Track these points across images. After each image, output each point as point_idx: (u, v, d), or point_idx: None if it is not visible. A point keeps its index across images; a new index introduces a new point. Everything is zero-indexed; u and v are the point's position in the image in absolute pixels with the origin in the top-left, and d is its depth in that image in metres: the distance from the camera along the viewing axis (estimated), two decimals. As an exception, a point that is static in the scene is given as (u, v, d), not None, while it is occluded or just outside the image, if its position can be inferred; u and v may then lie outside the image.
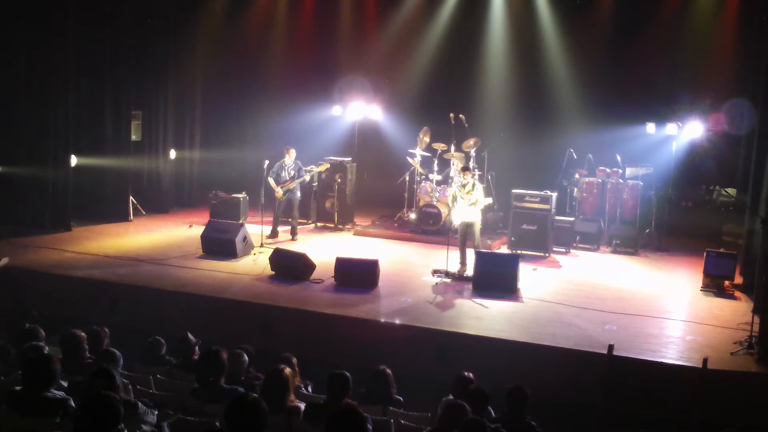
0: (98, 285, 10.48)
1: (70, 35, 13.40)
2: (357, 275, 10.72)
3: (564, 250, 13.11)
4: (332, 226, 14.41)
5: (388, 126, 16.10)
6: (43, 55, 13.22)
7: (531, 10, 15.74)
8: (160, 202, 15.67)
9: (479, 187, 11.55)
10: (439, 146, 14.06)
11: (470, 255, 11.35)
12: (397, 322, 9.36)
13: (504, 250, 13.09)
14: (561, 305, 10.18)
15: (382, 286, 10.72)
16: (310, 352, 8.25)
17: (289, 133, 15.21)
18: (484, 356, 8.57)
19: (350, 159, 14.97)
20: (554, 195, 12.92)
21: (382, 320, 9.42)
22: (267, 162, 13.02)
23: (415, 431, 5.87)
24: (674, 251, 13.48)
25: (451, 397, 6.24)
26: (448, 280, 11.12)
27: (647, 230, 13.78)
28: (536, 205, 12.77)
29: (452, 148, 13.93)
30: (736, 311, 10.19)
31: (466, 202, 11.35)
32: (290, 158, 13.35)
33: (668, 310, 10.24)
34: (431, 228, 13.59)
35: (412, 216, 14.12)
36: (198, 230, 12.91)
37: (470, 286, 10.86)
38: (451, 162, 13.92)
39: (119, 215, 14.48)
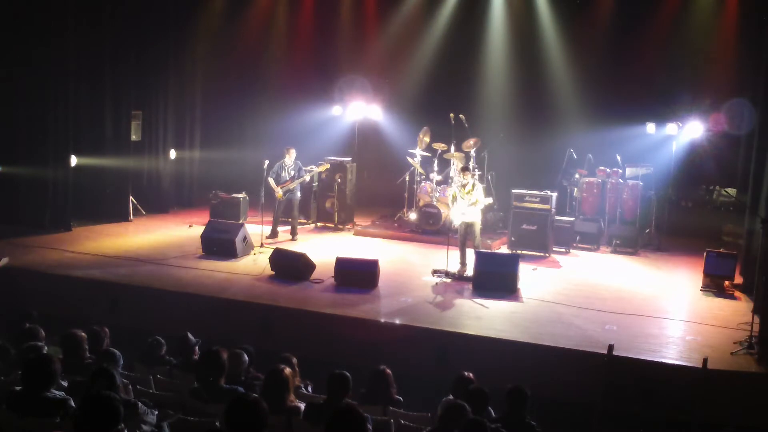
0: (98, 285, 10.48)
1: (70, 35, 13.40)
2: (357, 275, 10.72)
3: (564, 250, 13.11)
4: (332, 226, 14.42)
5: (388, 126, 16.09)
6: (43, 55, 13.22)
7: (531, 10, 15.75)
8: (160, 202, 15.68)
9: (479, 187, 11.56)
10: (439, 146, 14.06)
11: (470, 255, 11.35)
12: (397, 322, 9.36)
13: (504, 250, 13.09)
14: (561, 305, 10.19)
15: (382, 286, 10.72)
16: (310, 352, 8.25)
17: (289, 133, 15.21)
18: (484, 356, 8.57)
19: (350, 159, 14.97)
20: (554, 195, 12.92)
21: (382, 320, 9.42)
22: (267, 162, 13.02)
23: (415, 431, 5.86)
24: (674, 251, 13.48)
25: (451, 397, 6.24)
26: (448, 280, 11.12)
27: (647, 230, 13.78)
28: (536, 205, 12.77)
29: (452, 148, 13.93)
30: (736, 311, 10.19)
31: (466, 202, 11.36)
32: (290, 158, 13.35)
33: (668, 310, 10.24)
34: (431, 228, 13.59)
35: (412, 216, 14.12)
36: (198, 230, 12.91)
37: (470, 286, 10.86)
38: (451, 162, 13.92)
39: (119, 215, 14.48)
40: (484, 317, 9.65)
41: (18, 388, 5.39)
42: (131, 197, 14.73)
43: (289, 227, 13.51)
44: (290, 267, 10.98)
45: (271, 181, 13.23)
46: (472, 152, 13.86)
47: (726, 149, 14.71)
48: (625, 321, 9.62)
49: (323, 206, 14.64)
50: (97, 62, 14.22)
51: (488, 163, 14.20)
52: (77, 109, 13.89)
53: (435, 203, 13.65)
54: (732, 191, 14.69)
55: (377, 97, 16.05)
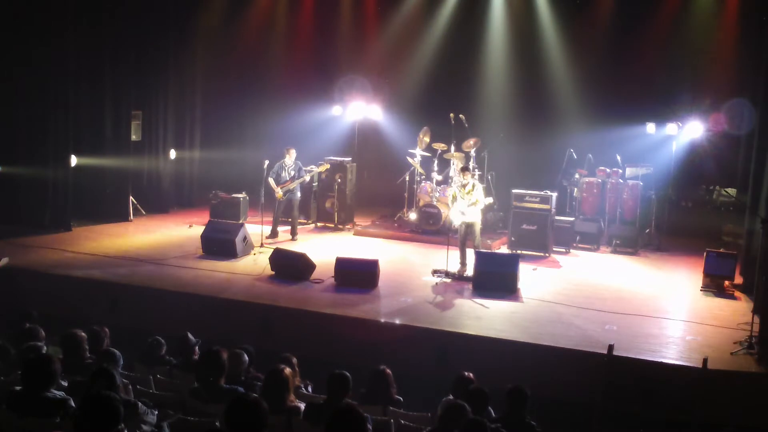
0: (98, 285, 10.48)
1: (70, 35, 13.40)
2: (357, 275, 10.72)
3: (564, 250, 13.11)
4: (332, 226, 14.42)
5: (388, 126, 16.09)
6: (43, 55, 13.22)
7: (531, 10, 15.75)
8: (160, 202, 15.68)
9: (479, 187, 11.56)
10: (439, 146, 14.06)
11: (470, 255, 11.35)
12: (397, 322, 9.36)
13: (504, 250, 13.09)
14: (561, 305, 10.19)
15: (382, 286, 10.72)
16: (310, 352, 8.25)
17: (289, 133, 15.21)
18: (484, 356, 8.57)
19: (350, 159, 14.97)
20: (554, 195, 12.92)
21: (382, 320, 9.42)
22: (267, 162, 13.02)
23: (415, 431, 5.86)
24: (674, 251, 13.49)
25: (451, 397, 6.24)
26: (448, 280, 11.12)
27: (647, 230, 13.78)
28: (536, 205, 12.77)
29: (452, 148, 13.93)
30: (736, 311, 10.19)
31: (466, 202, 11.36)
32: (290, 158, 13.35)
33: (668, 310, 10.24)
34: (431, 228, 13.59)
35: (412, 216, 14.12)
36: (198, 230, 12.91)
37: (470, 286, 10.86)
38: (451, 162, 13.92)
39: (119, 215, 14.48)
40: (484, 317, 9.65)
41: (18, 388, 5.39)
42: (131, 197, 14.73)
43: (289, 227, 13.51)
44: (290, 267, 10.98)
45: (271, 181, 13.23)
46: (472, 152, 13.86)
47: (726, 149, 14.71)
48: (625, 321, 9.62)
49: (323, 206, 14.64)
50: (97, 62, 14.22)
51: (488, 163, 14.20)
52: (77, 109, 13.89)
53: (435, 203, 13.65)
54: (732, 191, 14.68)
55: (377, 97, 16.05)
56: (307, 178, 13.60)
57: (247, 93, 17.40)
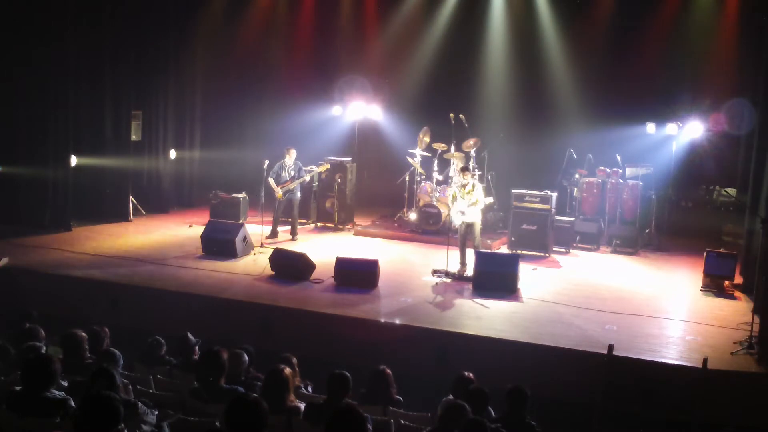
0: (98, 285, 10.49)
1: (70, 35, 13.41)
2: (357, 275, 10.72)
3: (564, 250, 13.11)
4: (332, 226, 14.42)
5: (388, 126, 16.09)
6: (43, 55, 13.22)
7: (531, 10, 15.74)
8: (160, 202, 15.68)
9: (479, 187, 11.56)
10: (439, 146, 14.06)
11: (470, 255, 11.35)
12: (397, 322, 9.36)
13: (504, 250, 13.09)
14: (561, 305, 10.19)
15: (382, 286, 10.72)
16: (310, 352, 8.25)
17: (289, 133, 15.22)
18: (484, 356, 8.57)
19: (350, 159, 14.97)
20: (554, 195, 12.92)
21: (382, 320, 9.42)
22: (267, 162, 13.02)
23: (415, 431, 5.87)
24: (674, 251, 13.48)
25: (451, 397, 6.24)
26: (448, 280, 11.12)
27: (647, 230, 13.78)
28: (536, 205, 12.77)
29: (452, 148, 13.93)
30: (736, 311, 10.19)
31: (466, 202, 11.36)
32: (290, 158, 13.35)
33: (668, 310, 10.24)
34: (431, 228, 13.59)
35: (412, 216, 14.12)
36: (198, 230, 12.91)
37: (470, 286, 10.86)
38: (451, 162, 13.92)
39: (119, 215, 14.48)
40: (484, 317, 9.65)
41: (18, 388, 5.39)
42: (131, 197, 14.73)
43: (289, 227, 13.52)
44: (290, 267, 10.98)
45: (271, 181, 13.23)
46: (472, 152, 13.86)
47: (726, 149, 14.71)
48: (625, 321, 9.62)
49: (323, 206, 14.64)
50: (97, 62, 14.22)
51: (488, 163, 14.20)
52: (77, 109, 13.89)
53: (435, 203, 13.65)
54: (732, 191, 14.69)
55: (377, 97, 16.04)
56: (307, 178, 13.60)
57: (247, 93, 17.40)
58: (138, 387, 6.16)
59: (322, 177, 14.49)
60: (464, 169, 11.65)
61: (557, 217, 13.12)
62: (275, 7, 17.07)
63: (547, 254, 12.74)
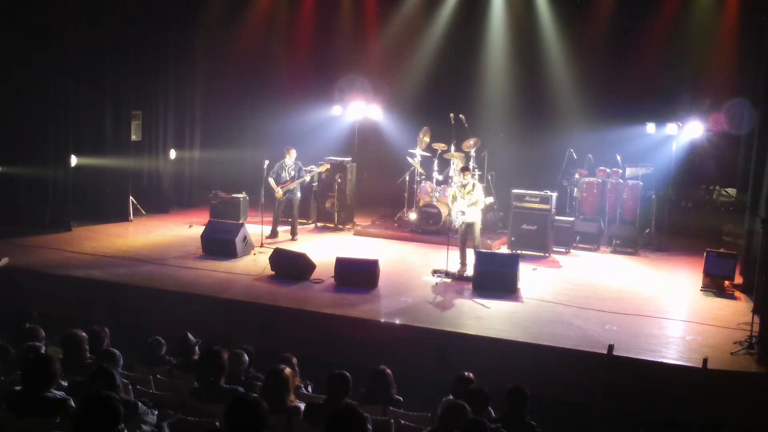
0: (98, 285, 10.48)
1: (70, 35, 13.40)
2: (357, 275, 10.71)
3: (564, 250, 13.11)
4: (332, 226, 14.42)
5: (388, 126, 16.09)
6: (43, 55, 13.22)
7: (531, 10, 15.74)
8: (160, 202, 15.68)
9: (479, 187, 11.56)
10: (439, 146, 14.06)
11: (470, 255, 11.35)
12: (397, 322, 9.36)
13: (504, 250, 13.09)
14: (561, 305, 10.19)
15: (382, 286, 10.72)
16: (310, 352, 8.25)
17: (289, 133, 15.21)
18: (484, 356, 8.57)
19: (350, 159, 14.97)
20: (554, 195, 12.92)
21: (382, 320, 9.42)
22: (267, 162, 13.02)
23: (415, 431, 5.87)
24: (674, 251, 13.48)
25: (451, 397, 6.24)
26: (448, 280, 11.12)
27: (647, 230, 13.78)
28: (536, 205, 12.77)
29: (452, 148, 13.93)
30: (736, 311, 10.19)
31: (466, 202, 11.36)
32: (291, 158, 13.35)
33: (668, 310, 10.24)
34: (431, 228, 13.59)
35: (412, 216, 14.12)
36: (198, 230, 12.91)
37: (470, 286, 10.86)
38: (451, 162, 13.91)
39: (119, 215, 14.48)
40: (484, 317, 9.65)
41: (18, 388, 5.39)
42: (131, 197, 14.73)
43: (289, 227, 13.52)
44: (290, 267, 10.98)
45: (271, 181, 13.23)
46: (472, 152, 13.86)
47: (726, 149, 14.71)
48: (625, 321, 9.62)
49: (323, 206, 14.64)
50: (97, 62, 14.22)
51: (488, 163, 14.20)
52: (77, 109, 13.89)
53: (435, 203, 13.65)
54: (732, 191, 14.69)
55: (377, 97, 16.05)
56: (307, 178, 13.60)
57: (247, 93, 17.40)
58: (138, 387, 6.16)
59: (322, 177, 14.49)
60: (464, 169, 11.65)
61: (557, 217, 13.12)
62: (275, 7, 17.07)
63: (547, 254, 12.74)
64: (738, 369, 8.23)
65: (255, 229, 12.78)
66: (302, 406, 5.78)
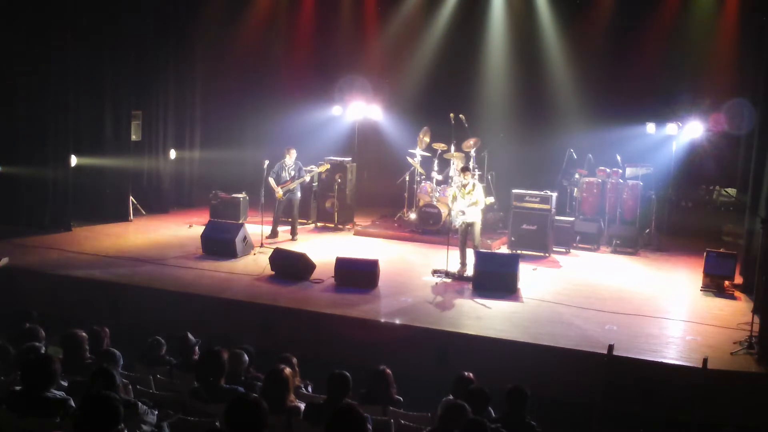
0: (98, 285, 10.48)
1: (70, 35, 13.40)
2: (357, 275, 10.71)
3: (564, 250, 13.11)
4: (332, 226, 14.42)
5: (388, 126, 16.09)
6: (43, 55, 13.22)
7: (531, 10, 15.75)
8: (160, 202, 15.68)
9: (479, 187, 11.56)
10: (439, 146, 14.06)
11: (470, 255, 11.35)
12: (397, 322, 9.36)
13: (504, 250, 13.09)
14: (561, 305, 10.18)
15: (382, 286, 10.72)
16: (310, 352, 8.26)
17: (289, 133, 15.21)
18: (484, 356, 8.57)
19: (350, 159, 14.97)
20: (554, 195, 12.92)
21: (382, 320, 9.42)
22: (267, 162, 13.02)
23: (415, 431, 5.87)
24: (674, 251, 13.48)
25: (451, 397, 6.24)
26: (448, 280, 11.12)
27: (647, 230, 13.78)
28: (536, 205, 12.77)
29: (452, 148, 13.93)
30: (736, 311, 10.19)
31: (466, 202, 11.36)
32: (291, 158, 13.35)
33: (668, 310, 10.24)
34: (431, 228, 13.59)
35: (412, 216, 14.12)
36: (198, 230, 12.91)
37: (470, 286, 10.85)
38: (451, 162, 13.91)
39: (119, 215, 14.48)
40: (484, 317, 9.65)
41: (18, 388, 5.39)
42: (131, 197, 14.73)
43: (289, 227, 13.52)
44: (290, 267, 10.98)
45: (271, 181, 13.23)
46: (472, 152, 13.86)
47: (726, 149, 14.72)
48: (625, 321, 9.62)
49: (323, 206, 14.64)
50: (97, 62, 14.22)
51: (488, 163, 14.19)
52: (77, 109, 13.89)
53: (435, 203, 13.65)
54: (732, 191, 14.69)
55: (377, 97, 16.05)
56: (307, 178, 13.60)
57: (247, 93, 17.41)
58: (138, 387, 6.16)
59: (322, 177, 14.49)
60: (465, 169, 11.65)
61: (557, 217, 13.12)
62: (275, 7, 17.07)
63: (547, 254, 12.74)
64: (738, 369, 8.23)
65: (255, 229, 12.78)
66: (302, 406, 5.78)
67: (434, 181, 13.88)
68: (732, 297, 10.87)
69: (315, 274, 10.97)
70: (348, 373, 5.95)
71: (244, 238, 12.18)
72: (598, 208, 13.98)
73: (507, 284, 10.67)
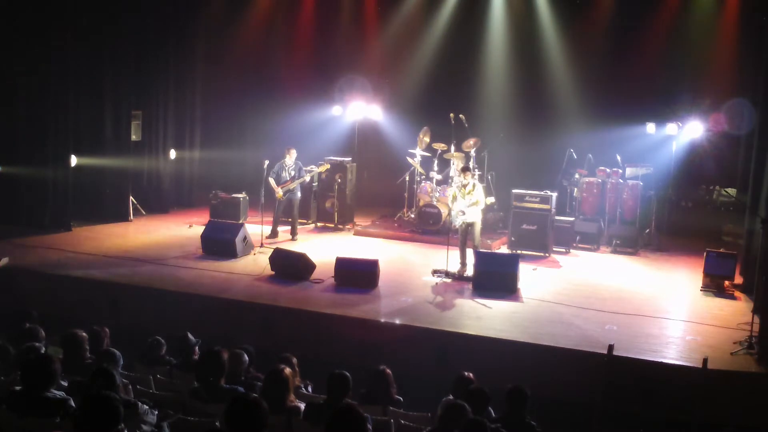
0: (98, 285, 10.48)
1: (70, 35, 13.40)
2: (357, 275, 10.71)
3: (564, 250, 13.11)
4: (332, 226, 14.42)
5: (388, 126, 16.09)
6: (43, 55, 13.22)
7: (531, 10, 15.75)
8: (160, 202, 15.68)
9: (479, 187, 11.56)
10: (439, 146, 14.06)
11: (470, 255, 11.35)
12: (397, 322, 9.36)
13: (504, 250, 13.09)
14: (561, 305, 10.19)
15: (382, 286, 10.72)
16: (310, 352, 8.26)
17: (289, 133, 15.21)
18: (484, 356, 8.57)
19: (350, 159, 14.97)
20: (554, 195, 12.92)
21: (382, 320, 9.42)
22: (267, 162, 13.02)
23: (415, 431, 5.87)
24: (674, 251, 13.48)
25: (451, 397, 6.24)
26: (448, 280, 11.12)
27: (647, 230, 13.78)
28: (536, 205, 12.78)
29: (452, 148, 13.93)
30: (736, 311, 10.19)
31: (466, 202, 11.36)
32: (291, 158, 13.35)
33: (668, 310, 10.24)
34: (431, 228, 13.59)
35: (412, 216, 14.11)
36: (198, 230, 12.91)
37: (470, 286, 10.86)
38: (451, 162, 13.91)
39: (119, 215, 14.48)
40: (484, 317, 9.65)
41: (18, 388, 5.39)
42: (131, 197, 14.73)
43: (289, 227, 13.52)
44: (290, 267, 10.98)
45: (271, 181, 13.23)
46: (472, 152, 13.86)
47: (726, 149, 14.72)
48: (625, 321, 9.62)
49: (323, 206, 14.64)
50: (97, 62, 14.22)
51: (488, 163, 14.19)
52: (77, 109, 13.88)
53: (435, 203, 13.65)
54: (732, 191, 14.69)
55: (377, 97, 16.05)
56: (307, 178, 13.61)
57: (247, 93, 17.41)
58: (138, 387, 6.16)
59: (322, 177, 14.49)
60: (465, 169, 11.65)
61: (557, 217, 13.12)
62: (275, 7, 17.06)
63: (547, 254, 12.74)
64: (738, 369, 8.23)
65: (255, 229, 12.78)
66: (302, 406, 5.78)
67: (434, 181, 13.88)
68: (732, 297, 10.87)
69: (315, 274, 10.97)
70: (348, 373, 5.95)
71: (244, 238, 12.18)
72: (598, 208, 13.98)
73: (507, 284, 10.67)
